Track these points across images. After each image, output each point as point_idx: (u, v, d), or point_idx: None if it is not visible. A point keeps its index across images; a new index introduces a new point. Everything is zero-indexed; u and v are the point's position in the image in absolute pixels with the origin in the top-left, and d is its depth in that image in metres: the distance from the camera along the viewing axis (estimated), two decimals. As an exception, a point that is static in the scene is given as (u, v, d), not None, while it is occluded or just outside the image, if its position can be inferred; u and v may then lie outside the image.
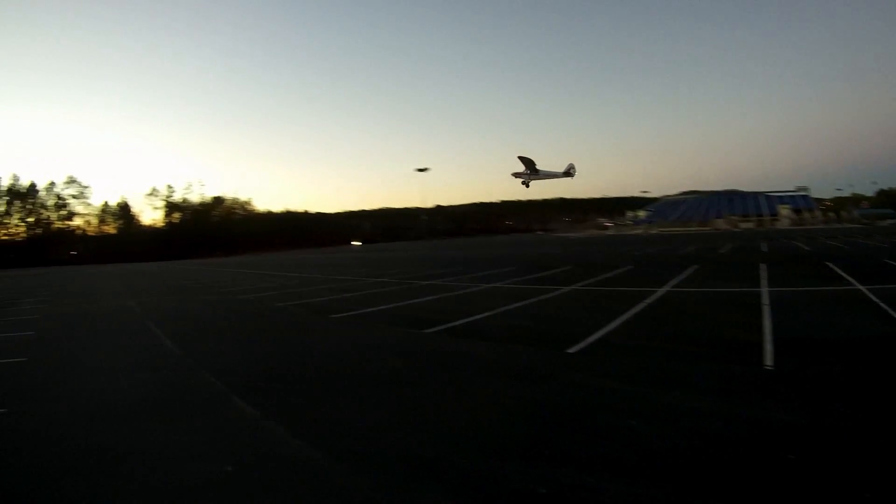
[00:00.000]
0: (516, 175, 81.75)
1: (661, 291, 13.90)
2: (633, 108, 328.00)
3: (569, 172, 79.26)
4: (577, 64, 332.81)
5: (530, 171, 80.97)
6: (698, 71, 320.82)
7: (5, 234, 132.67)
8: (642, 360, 7.35)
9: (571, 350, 8.07)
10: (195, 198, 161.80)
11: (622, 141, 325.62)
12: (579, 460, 4.25)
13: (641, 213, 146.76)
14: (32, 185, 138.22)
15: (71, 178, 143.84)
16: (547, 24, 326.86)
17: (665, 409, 5.38)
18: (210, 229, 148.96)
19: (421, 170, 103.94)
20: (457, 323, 11.14)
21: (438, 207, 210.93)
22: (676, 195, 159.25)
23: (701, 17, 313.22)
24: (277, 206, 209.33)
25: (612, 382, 6.35)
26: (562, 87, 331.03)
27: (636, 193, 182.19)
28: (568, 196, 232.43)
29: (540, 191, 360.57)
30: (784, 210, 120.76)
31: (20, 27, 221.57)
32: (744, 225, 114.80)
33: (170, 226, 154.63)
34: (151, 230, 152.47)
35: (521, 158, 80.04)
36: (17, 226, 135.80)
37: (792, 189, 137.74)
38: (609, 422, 5.08)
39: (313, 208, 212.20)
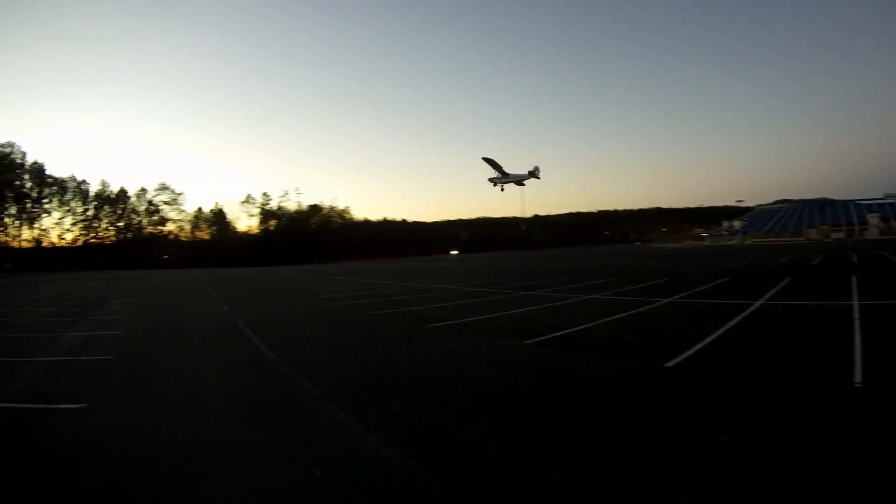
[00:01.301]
0: (492, 180, 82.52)
1: (755, 305, 13.70)
2: (728, 115, 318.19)
3: (534, 174, 79.28)
4: (678, 70, 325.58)
5: (500, 174, 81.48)
6: (790, 76, 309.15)
7: (94, 238, 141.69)
8: (736, 376, 7.27)
9: (668, 364, 7.96)
10: (291, 205, 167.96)
11: (717, 148, 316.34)
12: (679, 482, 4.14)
13: (736, 223, 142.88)
14: (123, 191, 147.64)
15: (163, 184, 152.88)
16: (647, 28, 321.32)
17: (757, 423, 5.38)
18: (306, 237, 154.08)
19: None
20: (555, 334, 11.02)
21: (536, 217, 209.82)
22: (769, 204, 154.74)
23: (794, 23, 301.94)
24: (375, 215, 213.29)
25: (709, 398, 6.29)
26: (661, 94, 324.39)
27: (731, 202, 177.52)
28: (664, 205, 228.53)
29: (636, 200, 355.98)
30: (873, 219, 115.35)
31: (108, 36, 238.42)
32: (834, 235, 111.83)
33: (265, 232, 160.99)
34: (246, 237, 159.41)
35: (487, 160, 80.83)
36: (105, 230, 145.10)
37: (880, 196, 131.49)
38: (707, 439, 5.00)
39: (411, 217, 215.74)
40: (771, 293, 16.07)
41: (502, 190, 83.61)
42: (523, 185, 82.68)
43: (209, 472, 4.83)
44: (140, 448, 5.56)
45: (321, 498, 4.24)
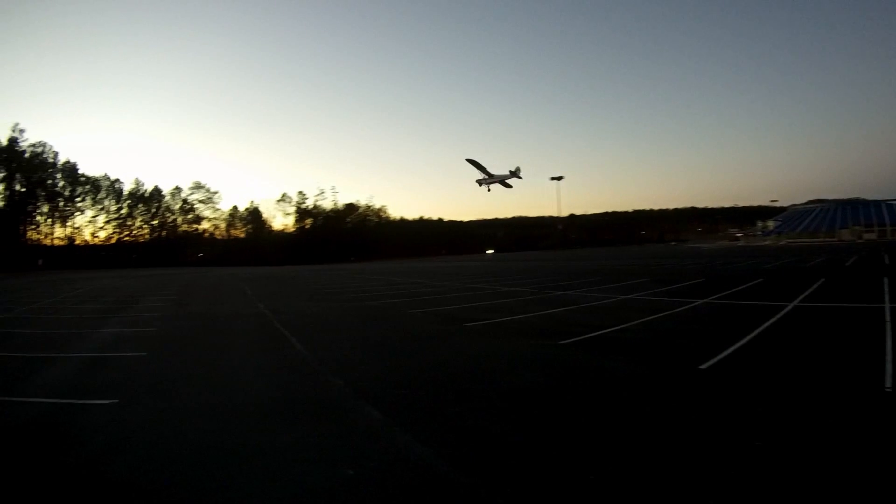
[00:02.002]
0: (479, 181, 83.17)
1: (789, 307, 13.66)
2: (763, 115, 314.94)
3: (515, 174, 79.44)
4: (714, 70, 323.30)
5: (485, 174, 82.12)
6: (826, 77, 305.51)
7: (128, 236, 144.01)
8: (769, 379, 7.24)
9: (703, 366, 7.93)
10: (328, 204, 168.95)
11: (751, 147, 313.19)
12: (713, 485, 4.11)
13: (770, 224, 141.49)
14: (157, 190, 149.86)
15: (197, 183, 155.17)
16: (682, 30, 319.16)
17: (788, 427, 5.39)
18: (342, 235, 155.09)
19: (555, 178, 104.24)
20: (590, 335, 11.02)
21: (572, 216, 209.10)
22: (803, 204, 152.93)
23: (829, 24, 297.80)
24: (412, 214, 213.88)
25: (742, 401, 6.28)
26: (697, 94, 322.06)
27: (765, 202, 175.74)
28: (699, 205, 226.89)
29: (671, 199, 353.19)
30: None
31: (143, 38, 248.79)
32: (866, 235, 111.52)
33: (300, 231, 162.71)
34: (282, 235, 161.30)
35: (470, 161, 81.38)
36: (139, 228, 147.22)
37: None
38: (739, 442, 4.99)
39: (448, 216, 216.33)
40: (804, 295, 16.12)
41: (489, 190, 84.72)
42: (510, 186, 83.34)
43: (238, 471, 4.89)
44: (169, 445, 5.66)
45: (352, 497, 4.28)
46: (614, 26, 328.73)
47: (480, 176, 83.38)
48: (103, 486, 4.68)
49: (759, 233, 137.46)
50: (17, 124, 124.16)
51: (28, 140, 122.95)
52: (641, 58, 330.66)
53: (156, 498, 4.40)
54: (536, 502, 4.07)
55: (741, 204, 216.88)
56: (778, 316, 12.32)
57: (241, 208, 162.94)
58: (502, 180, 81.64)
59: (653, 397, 6.66)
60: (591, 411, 6.21)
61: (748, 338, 9.97)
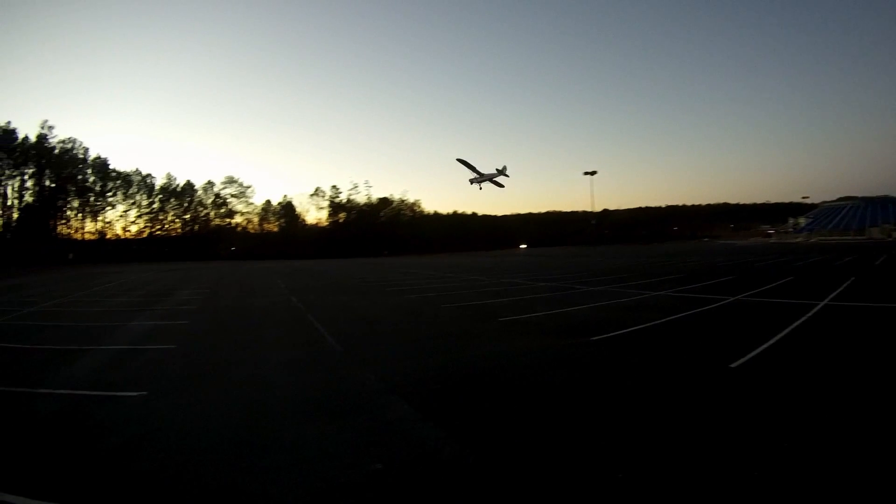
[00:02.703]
0: (472, 181, 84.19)
1: (819, 305, 13.56)
2: (795, 111, 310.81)
3: (502, 172, 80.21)
4: (748, 68, 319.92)
5: (477, 173, 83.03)
6: (856, 74, 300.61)
7: (160, 230, 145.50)
8: (798, 378, 7.19)
9: (733, 365, 7.86)
10: (361, 198, 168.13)
11: (783, 144, 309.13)
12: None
13: (801, 221, 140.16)
14: (189, 184, 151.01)
15: (230, 177, 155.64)
16: (711, 28, 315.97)
17: (818, 429, 5.30)
18: (375, 230, 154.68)
19: (589, 173, 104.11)
20: (621, 332, 11.01)
21: (605, 212, 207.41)
22: (834, 201, 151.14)
23: (857, 21, 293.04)
24: (446, 208, 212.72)
25: (772, 401, 6.23)
26: (729, 90, 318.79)
27: (797, 199, 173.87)
28: (732, 201, 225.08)
29: (704, 195, 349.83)
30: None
31: (174, 33, 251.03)
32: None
33: (334, 225, 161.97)
34: (315, 229, 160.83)
35: (461, 161, 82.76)
36: (171, 222, 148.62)
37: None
38: (770, 444, 4.90)
39: (482, 210, 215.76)
40: (834, 294, 16.06)
41: (480, 188, 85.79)
42: (501, 185, 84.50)
43: (265, 465, 4.91)
44: (197, 438, 5.72)
45: (380, 492, 4.29)
46: (650, 24, 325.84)
47: (472, 175, 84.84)
48: (129, 477, 4.77)
49: (791, 230, 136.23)
50: (45, 121, 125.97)
51: (57, 136, 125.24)
52: (676, 55, 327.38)
53: (181, 490, 4.48)
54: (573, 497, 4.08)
55: (773, 200, 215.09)
56: (808, 315, 12.24)
57: (275, 202, 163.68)
58: (491, 178, 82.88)
59: (684, 397, 6.61)
60: (615, 408, 6.21)
61: (778, 337, 9.89)
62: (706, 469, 4.48)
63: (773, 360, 8.24)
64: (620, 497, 4.07)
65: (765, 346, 9.11)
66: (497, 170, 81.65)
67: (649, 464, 4.62)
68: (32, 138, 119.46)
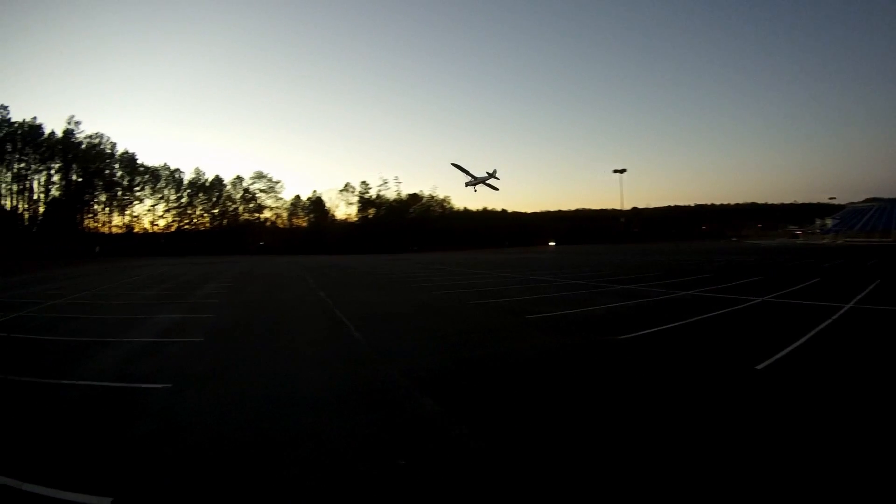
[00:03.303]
0: (467, 184, 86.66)
1: (845, 308, 13.51)
2: (823, 111, 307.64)
3: (493, 175, 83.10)
4: (775, 67, 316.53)
5: (471, 177, 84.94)
6: (885, 73, 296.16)
7: (188, 224, 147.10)
8: (822, 382, 7.16)
9: (759, 367, 7.85)
10: (391, 194, 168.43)
11: (811, 143, 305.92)
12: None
13: (828, 222, 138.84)
14: (218, 179, 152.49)
15: (259, 173, 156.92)
16: (739, 27, 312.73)
17: (845, 430, 5.34)
18: (405, 226, 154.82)
19: (618, 171, 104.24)
20: (648, 331, 11.02)
21: (635, 210, 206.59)
22: (860, 202, 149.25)
23: (883, 21, 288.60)
24: (475, 204, 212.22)
25: (799, 404, 6.23)
26: (758, 90, 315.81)
27: (824, 199, 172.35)
28: (760, 200, 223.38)
29: (733, 195, 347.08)
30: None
31: (205, 29, 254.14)
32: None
33: (363, 221, 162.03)
34: (344, 225, 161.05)
35: (455, 165, 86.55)
36: (200, 216, 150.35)
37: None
38: (798, 446, 4.90)
39: (511, 207, 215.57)
40: (860, 296, 15.98)
41: (475, 191, 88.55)
42: (496, 188, 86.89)
43: (287, 459, 4.94)
44: (220, 430, 5.77)
45: (401, 486, 4.33)
46: (680, 24, 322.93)
47: (466, 178, 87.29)
48: (151, 468, 4.82)
49: (818, 231, 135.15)
50: (72, 117, 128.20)
51: (84, 132, 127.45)
52: (707, 56, 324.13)
53: (202, 481, 4.51)
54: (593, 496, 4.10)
55: (800, 201, 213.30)
56: (834, 317, 12.23)
57: (304, 198, 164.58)
58: (484, 181, 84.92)
59: (710, 397, 6.64)
60: (641, 408, 6.24)
61: (804, 339, 9.91)
62: (712, 470, 4.53)
63: (798, 362, 8.21)
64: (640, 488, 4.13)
65: (790, 348, 9.11)
66: (487, 173, 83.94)
67: (662, 465, 4.67)
68: (59, 134, 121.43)
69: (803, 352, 8.91)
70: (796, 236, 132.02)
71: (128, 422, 6.10)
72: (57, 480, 4.50)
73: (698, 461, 4.71)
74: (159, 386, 7.58)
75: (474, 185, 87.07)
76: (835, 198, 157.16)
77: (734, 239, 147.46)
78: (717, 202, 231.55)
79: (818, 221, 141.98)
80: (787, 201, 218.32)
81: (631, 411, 6.14)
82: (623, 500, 4.10)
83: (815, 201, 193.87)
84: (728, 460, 4.71)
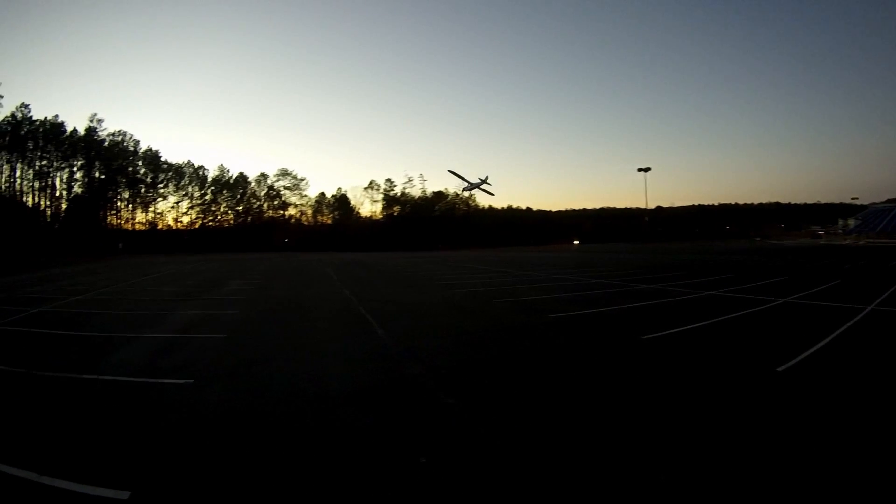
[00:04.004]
0: (464, 189, 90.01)
1: (866, 310, 13.48)
2: (846, 109, 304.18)
3: (485, 181, 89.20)
4: (801, 67, 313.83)
5: (467, 182, 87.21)
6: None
7: (212, 221, 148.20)
8: (845, 385, 7.14)
9: (780, 368, 7.87)
10: (415, 192, 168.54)
11: (834, 142, 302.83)
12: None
13: (850, 222, 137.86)
14: (242, 176, 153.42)
15: (284, 170, 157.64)
16: (766, 26, 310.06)
17: (867, 433, 5.35)
18: (430, 224, 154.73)
19: (643, 169, 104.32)
20: (670, 331, 11.03)
21: (658, 209, 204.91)
22: (883, 203, 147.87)
23: None
24: (500, 202, 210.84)
25: (820, 407, 6.26)
26: (781, 90, 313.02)
27: (846, 199, 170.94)
28: (783, 200, 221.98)
29: (757, 194, 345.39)
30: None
31: (230, 25, 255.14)
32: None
33: (388, 218, 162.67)
34: (369, 222, 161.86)
35: (452, 172, 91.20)
36: (224, 213, 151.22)
37: None
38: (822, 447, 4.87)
39: (536, 205, 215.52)
40: (881, 299, 15.92)
41: (470, 195, 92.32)
42: (492, 194, 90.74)
43: (308, 456, 4.97)
44: (241, 426, 5.81)
45: (421, 484, 4.36)
46: (704, 23, 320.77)
47: (464, 184, 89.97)
48: (168, 464, 4.86)
49: (840, 231, 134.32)
50: (94, 114, 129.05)
51: (107, 129, 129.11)
52: (732, 54, 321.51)
53: (222, 479, 4.54)
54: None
55: (823, 201, 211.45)
56: (856, 319, 12.23)
57: (329, 195, 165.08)
58: (478, 186, 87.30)
59: (731, 398, 6.69)
60: (662, 409, 6.26)
61: (826, 340, 9.93)
62: (727, 471, 4.56)
63: (818, 365, 8.19)
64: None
65: (811, 350, 9.06)
66: (480, 178, 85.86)
67: (676, 463, 4.70)
68: (81, 131, 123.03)
69: (824, 354, 8.89)
70: (819, 237, 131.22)
71: (147, 417, 6.20)
72: (75, 474, 4.60)
73: (713, 462, 4.77)
74: (182, 381, 7.69)
75: (470, 190, 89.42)
76: (857, 198, 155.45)
77: (758, 239, 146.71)
78: (741, 201, 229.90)
79: (840, 222, 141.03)
80: (810, 201, 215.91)
81: (647, 411, 6.23)
82: (641, 495, 4.18)
83: (837, 201, 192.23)
84: (742, 461, 4.76)
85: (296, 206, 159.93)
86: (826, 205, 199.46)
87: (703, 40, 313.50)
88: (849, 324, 11.62)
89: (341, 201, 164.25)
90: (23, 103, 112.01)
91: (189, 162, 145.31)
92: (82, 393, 7.21)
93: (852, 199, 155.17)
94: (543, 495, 4.21)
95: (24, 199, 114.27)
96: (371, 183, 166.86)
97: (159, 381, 7.74)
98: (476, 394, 6.87)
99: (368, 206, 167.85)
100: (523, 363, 8.68)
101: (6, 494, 4.26)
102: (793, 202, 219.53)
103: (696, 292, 18.72)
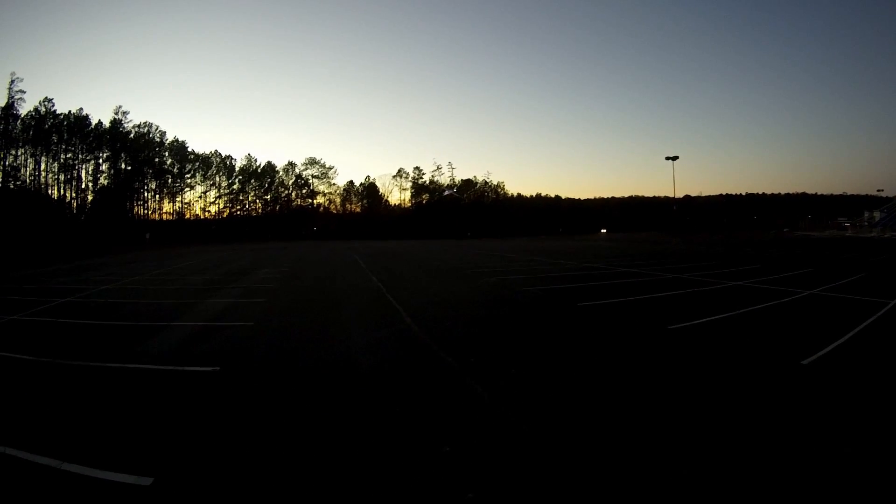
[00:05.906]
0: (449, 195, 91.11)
1: (890, 304, 13.28)
2: (871, 102, 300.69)
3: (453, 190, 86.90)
4: (819, 60, 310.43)
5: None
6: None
7: (240, 210, 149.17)
8: (868, 379, 7.14)
9: (805, 361, 7.86)
10: (444, 180, 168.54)
11: (861, 134, 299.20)
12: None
13: (876, 215, 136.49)
14: (270, 165, 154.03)
15: (312, 159, 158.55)
16: (790, 21, 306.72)
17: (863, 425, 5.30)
18: (458, 212, 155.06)
19: (671, 158, 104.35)
20: (698, 321, 11.07)
21: (687, 198, 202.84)
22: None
23: None
24: (529, 190, 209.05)
25: (844, 400, 6.27)
26: (807, 81, 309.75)
27: (872, 192, 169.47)
28: (810, 191, 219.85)
29: (784, 184, 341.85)
30: None
31: (257, 16, 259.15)
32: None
33: (416, 207, 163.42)
34: (397, 210, 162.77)
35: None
36: (252, 202, 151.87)
37: None
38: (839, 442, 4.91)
39: (564, 193, 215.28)
40: None
41: (454, 199, 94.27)
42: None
43: (335, 444, 5.03)
44: (269, 415, 5.86)
45: (444, 474, 4.37)
46: (733, 15, 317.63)
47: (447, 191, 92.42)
48: (192, 451, 4.92)
49: (867, 223, 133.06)
50: (119, 107, 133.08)
51: (132, 121, 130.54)
52: (760, 43, 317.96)
53: (250, 467, 4.60)
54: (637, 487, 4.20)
55: (850, 192, 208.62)
56: (880, 313, 12.14)
57: (357, 183, 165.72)
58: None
59: (755, 390, 6.74)
60: (684, 399, 6.34)
61: (851, 334, 9.87)
62: (749, 464, 4.57)
63: (842, 359, 8.14)
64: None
65: (836, 343, 9.01)
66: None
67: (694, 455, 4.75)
68: (106, 124, 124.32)
69: (848, 348, 8.83)
70: (844, 229, 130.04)
71: (171, 405, 6.29)
72: (97, 461, 4.67)
73: (734, 453, 4.81)
74: (209, 369, 7.76)
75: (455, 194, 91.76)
76: (882, 190, 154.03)
77: (785, 230, 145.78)
78: (769, 192, 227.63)
79: (866, 214, 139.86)
80: (836, 192, 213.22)
81: (669, 401, 6.29)
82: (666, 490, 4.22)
83: (864, 193, 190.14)
84: (763, 454, 4.78)
85: (324, 194, 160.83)
86: (852, 196, 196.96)
87: (734, 31, 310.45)
88: (873, 317, 11.58)
89: (370, 190, 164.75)
90: (46, 98, 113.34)
91: (216, 152, 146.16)
92: (107, 381, 7.37)
93: (878, 191, 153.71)
94: (569, 473, 4.35)
95: (50, 191, 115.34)
96: (399, 171, 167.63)
97: (187, 368, 7.88)
98: (506, 384, 6.93)
99: (397, 195, 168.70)
100: (551, 353, 8.80)
101: (28, 482, 4.38)
102: (819, 193, 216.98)
103: (724, 282, 18.73)
